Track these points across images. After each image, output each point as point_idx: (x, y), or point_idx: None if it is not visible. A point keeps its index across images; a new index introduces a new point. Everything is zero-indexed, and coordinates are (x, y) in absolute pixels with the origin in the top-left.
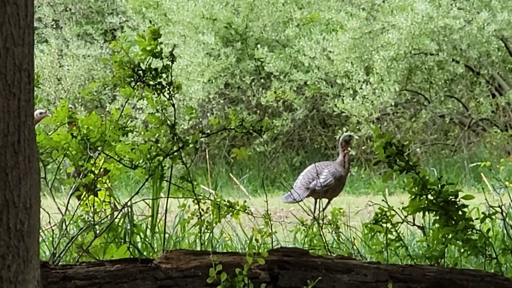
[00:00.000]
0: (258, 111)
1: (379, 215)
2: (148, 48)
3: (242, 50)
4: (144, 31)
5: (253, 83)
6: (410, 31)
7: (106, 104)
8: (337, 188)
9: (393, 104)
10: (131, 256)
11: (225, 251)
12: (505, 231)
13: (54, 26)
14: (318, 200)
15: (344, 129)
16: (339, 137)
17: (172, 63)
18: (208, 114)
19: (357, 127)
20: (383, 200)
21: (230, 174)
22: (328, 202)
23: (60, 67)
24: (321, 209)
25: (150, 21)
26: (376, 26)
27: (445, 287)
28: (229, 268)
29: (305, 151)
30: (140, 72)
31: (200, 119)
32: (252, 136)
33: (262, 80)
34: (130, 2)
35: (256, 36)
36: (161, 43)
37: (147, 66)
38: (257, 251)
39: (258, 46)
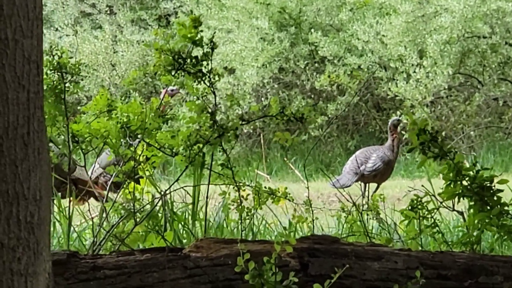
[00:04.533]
0: (313, 95)
1: (415, 202)
2: (189, 36)
3: (296, 35)
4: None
5: (307, 68)
6: (463, 14)
7: (161, 89)
8: (386, 172)
9: (446, 87)
10: (170, 245)
11: (259, 239)
12: None
13: (108, 12)
14: (367, 184)
15: (398, 112)
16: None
17: (213, 50)
18: (263, 99)
19: (411, 110)
20: (422, 186)
21: (285, 159)
22: (377, 187)
23: (114, 53)
24: (370, 193)
25: (205, 6)
26: (429, 9)
27: (475, 273)
28: (258, 256)
29: (360, 135)
30: (181, 60)
31: (240, 106)
32: (306, 121)
33: (316, 65)
34: None
35: (310, 21)
36: (202, 30)
37: (187, 54)
38: (285, 239)
39: (312, 30)
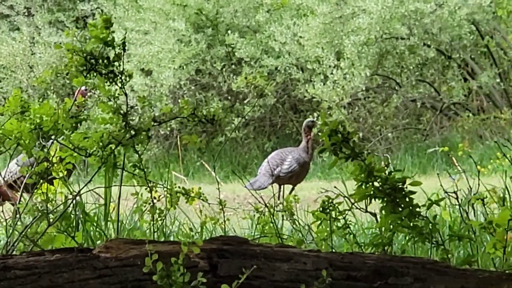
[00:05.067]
0: (230, 97)
1: (326, 203)
2: (101, 37)
3: (213, 36)
4: (115, 18)
5: (224, 69)
6: (381, 15)
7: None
8: (301, 174)
9: (364, 89)
10: (80, 246)
11: (172, 240)
12: (460, 217)
13: (26, 14)
14: (282, 186)
15: (315, 114)
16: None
17: (124, 51)
18: (179, 101)
19: (328, 112)
20: (335, 187)
21: (202, 161)
22: (293, 188)
23: (32, 54)
24: (285, 195)
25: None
26: (347, 10)
27: (385, 274)
28: (167, 257)
29: (277, 137)
30: (93, 60)
31: (153, 108)
32: (217, 122)
33: (233, 66)
34: None
35: (227, 22)
36: (113, 31)
37: (99, 55)
38: (193, 240)
39: (229, 32)
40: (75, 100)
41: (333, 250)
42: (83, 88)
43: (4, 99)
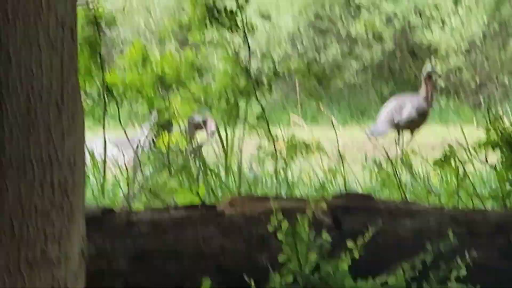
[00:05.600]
0: (348, 42)
1: (448, 153)
2: None
3: None
4: None
5: (342, 14)
6: None
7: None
8: (420, 121)
9: (481, 35)
10: (203, 202)
11: (293, 191)
12: None
13: None
14: (401, 133)
15: (433, 60)
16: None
17: (247, 2)
18: (298, 45)
19: (446, 58)
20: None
21: (320, 105)
22: (412, 136)
23: None
24: (404, 142)
25: None
26: None
27: (507, 231)
28: (292, 213)
29: (395, 82)
30: (215, 12)
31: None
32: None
33: (352, 11)
34: None
35: None
36: None
37: (221, 6)
38: (320, 196)
39: None
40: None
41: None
42: None
43: (121, 43)
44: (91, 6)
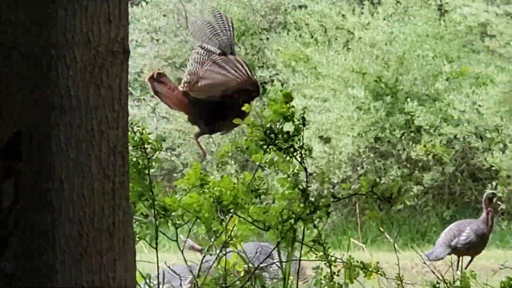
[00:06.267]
0: (408, 165)
1: (507, 284)
2: (280, 111)
3: (392, 104)
4: (293, 84)
5: (403, 137)
6: None
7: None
8: (480, 245)
9: None
10: None
11: None
12: None
13: None
14: (460, 257)
15: (494, 183)
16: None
17: (304, 126)
18: (358, 168)
19: (507, 180)
20: None
21: (380, 228)
22: (471, 260)
23: None
24: (463, 267)
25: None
26: None
27: None
28: None
29: (455, 205)
30: (272, 135)
31: (332, 183)
32: (394, 201)
33: (412, 134)
34: (280, 56)
35: (406, 90)
36: (293, 106)
37: (278, 129)
38: None
39: (408, 99)
40: (255, 174)
41: None
42: None
43: (182, 164)
44: (135, 129)
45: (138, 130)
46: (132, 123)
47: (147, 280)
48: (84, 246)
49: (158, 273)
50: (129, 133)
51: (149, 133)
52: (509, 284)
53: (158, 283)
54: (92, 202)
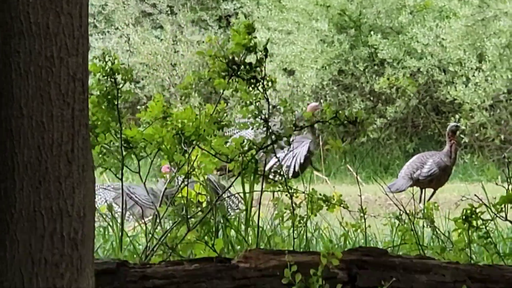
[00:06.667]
0: (372, 98)
1: (468, 212)
2: (243, 43)
3: (355, 37)
4: (258, 17)
5: (366, 70)
6: None
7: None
8: (442, 178)
9: (506, 91)
10: (219, 254)
11: (313, 245)
12: None
13: (169, 12)
14: (423, 190)
15: (457, 116)
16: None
17: (266, 57)
18: (322, 101)
19: (470, 114)
20: (475, 195)
21: (343, 161)
22: (434, 192)
23: (174, 52)
24: (426, 199)
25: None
26: (489, 13)
27: None
28: (306, 267)
29: (419, 138)
30: (235, 66)
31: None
32: (360, 124)
33: (376, 67)
34: None
35: (370, 23)
36: (255, 37)
37: (240, 60)
38: (332, 251)
39: (372, 32)
40: (217, 106)
41: (472, 261)
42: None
43: (146, 97)
44: (106, 58)
45: (109, 59)
46: (104, 53)
47: (109, 208)
48: (43, 173)
49: (122, 202)
50: (100, 62)
51: (122, 64)
52: (471, 212)
53: (122, 211)
54: (51, 129)
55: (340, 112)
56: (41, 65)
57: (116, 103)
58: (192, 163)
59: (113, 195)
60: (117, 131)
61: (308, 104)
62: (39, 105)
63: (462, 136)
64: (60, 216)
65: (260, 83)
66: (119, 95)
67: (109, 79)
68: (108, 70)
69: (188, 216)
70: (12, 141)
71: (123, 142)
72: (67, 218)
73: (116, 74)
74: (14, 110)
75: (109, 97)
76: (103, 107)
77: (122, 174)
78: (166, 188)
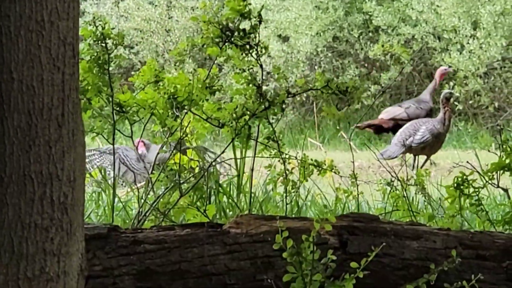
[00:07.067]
0: (366, 65)
1: (460, 180)
2: (237, 9)
3: (350, 4)
4: None
5: (361, 37)
6: None
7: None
8: (435, 145)
9: (500, 58)
10: (211, 220)
11: (306, 211)
12: None
13: None
14: (417, 157)
15: (451, 83)
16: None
17: (260, 23)
18: (316, 67)
19: (464, 81)
20: (467, 162)
21: (338, 127)
22: (427, 159)
23: (169, 18)
24: (419, 166)
25: None
26: None
27: None
28: (297, 233)
29: None
30: (228, 32)
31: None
32: (351, 94)
33: (370, 34)
34: None
35: None
36: (250, 3)
37: (234, 26)
38: (325, 217)
39: None
40: (210, 71)
41: (463, 228)
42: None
43: (140, 63)
44: (97, 23)
45: (100, 24)
46: (94, 17)
47: (102, 172)
48: (33, 137)
49: (114, 167)
50: (91, 27)
51: (112, 28)
52: (462, 179)
53: (114, 176)
54: (41, 93)
55: (332, 80)
56: (31, 29)
57: (106, 68)
58: (184, 128)
59: (110, 159)
60: (108, 96)
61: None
62: (29, 69)
63: (456, 103)
64: (50, 180)
65: (254, 50)
66: (110, 60)
67: (99, 44)
68: (99, 35)
69: (181, 182)
70: (2, 105)
71: (116, 106)
72: (57, 182)
73: (107, 39)
74: (4, 74)
75: (99, 62)
76: (94, 72)
77: (114, 139)
78: (157, 155)
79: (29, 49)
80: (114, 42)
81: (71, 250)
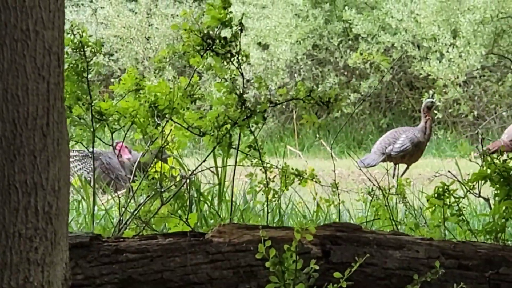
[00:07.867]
0: (346, 73)
1: (441, 190)
2: (218, 17)
3: (330, 12)
4: None
5: (340, 45)
6: None
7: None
8: (415, 153)
9: (479, 67)
10: (193, 229)
11: (286, 220)
12: None
13: None
14: (397, 165)
15: (431, 91)
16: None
17: (241, 32)
18: (296, 75)
19: (444, 90)
20: (449, 171)
21: (317, 136)
22: (407, 168)
23: (149, 26)
24: (399, 175)
25: None
26: None
27: (497, 264)
28: (280, 243)
29: (392, 113)
30: (209, 40)
31: (269, 89)
32: (333, 105)
33: (350, 42)
34: None
35: None
36: (231, 12)
37: (215, 35)
38: (305, 227)
39: (346, 7)
40: (191, 80)
41: (445, 237)
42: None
43: (120, 70)
44: (75, 31)
45: (78, 32)
46: (72, 25)
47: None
48: (17, 146)
49: (94, 175)
50: (69, 35)
51: (90, 36)
52: (443, 189)
53: (94, 184)
54: (26, 102)
55: (314, 91)
56: (16, 38)
57: (85, 76)
58: (166, 137)
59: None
60: (87, 104)
61: None
62: (14, 78)
63: (435, 111)
64: (35, 190)
65: (235, 58)
66: (89, 68)
67: (78, 52)
68: (77, 43)
69: (162, 190)
70: None
71: (96, 114)
72: (41, 191)
73: (86, 47)
74: None
75: (78, 70)
76: (72, 80)
77: (93, 147)
78: (139, 161)
79: (14, 58)
80: (93, 50)
81: (55, 260)
